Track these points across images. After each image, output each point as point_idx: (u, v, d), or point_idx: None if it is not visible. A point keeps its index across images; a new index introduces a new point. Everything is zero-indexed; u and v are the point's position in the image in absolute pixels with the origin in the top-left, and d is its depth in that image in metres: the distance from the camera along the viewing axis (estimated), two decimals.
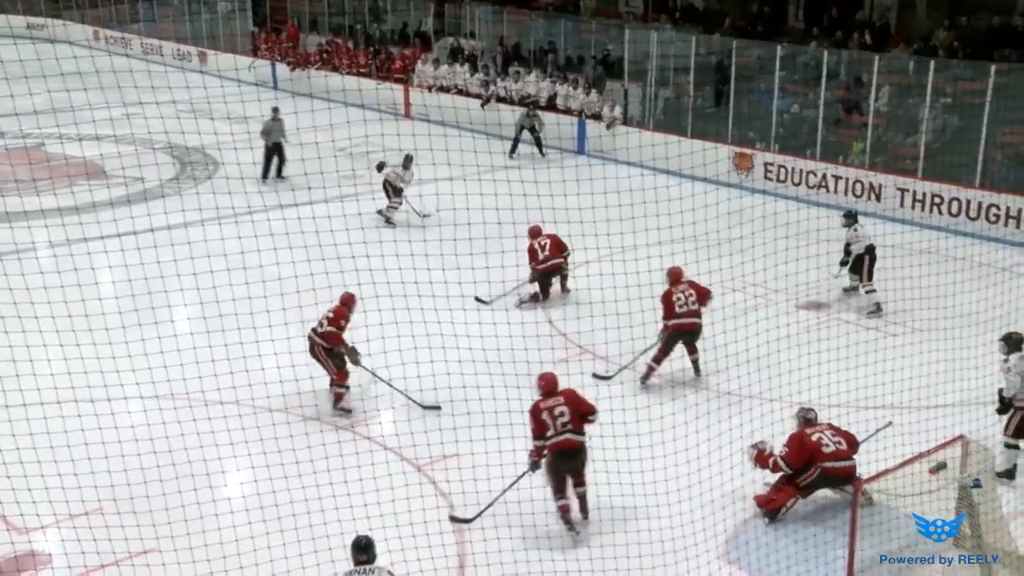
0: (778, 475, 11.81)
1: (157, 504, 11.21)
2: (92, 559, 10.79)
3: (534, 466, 11.49)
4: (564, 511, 11.44)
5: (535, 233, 18.47)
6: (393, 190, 23.19)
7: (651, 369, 15.00)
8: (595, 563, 10.69)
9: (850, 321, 17.01)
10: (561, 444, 11.27)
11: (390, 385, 14.16)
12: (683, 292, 14.72)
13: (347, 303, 14.43)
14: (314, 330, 14.19)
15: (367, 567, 9.11)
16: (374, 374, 14.25)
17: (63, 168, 26.42)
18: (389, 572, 9.20)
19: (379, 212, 23.06)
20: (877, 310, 17.25)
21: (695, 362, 15.21)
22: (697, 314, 14.85)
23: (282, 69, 39.12)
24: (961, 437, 11.19)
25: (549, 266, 18.32)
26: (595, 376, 14.92)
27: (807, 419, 12.01)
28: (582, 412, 11.42)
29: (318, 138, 20.82)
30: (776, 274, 16.02)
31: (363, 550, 9.23)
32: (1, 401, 12.98)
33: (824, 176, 24.32)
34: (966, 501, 10.77)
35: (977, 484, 10.75)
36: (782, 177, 24.96)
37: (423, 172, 22.88)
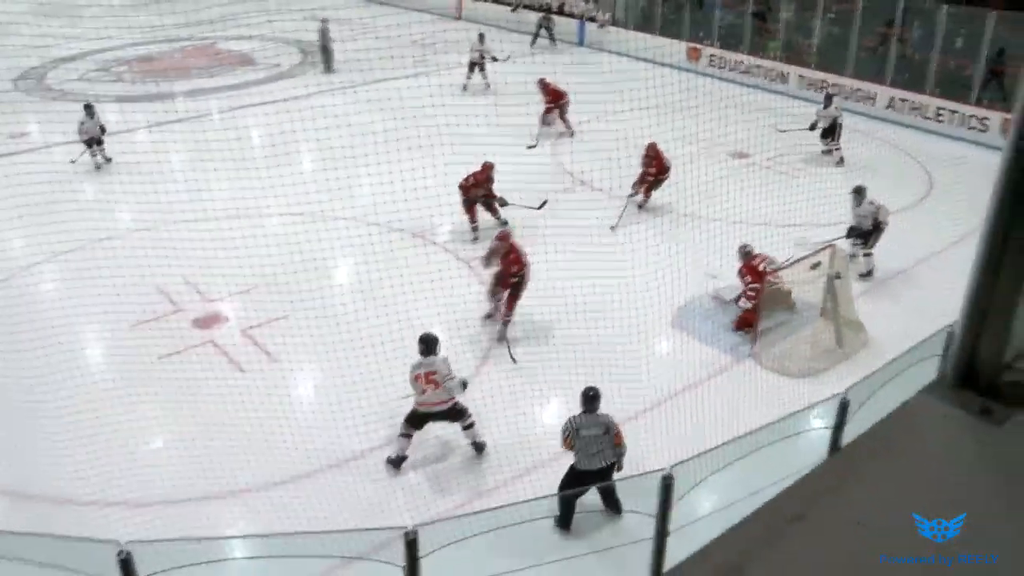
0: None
1: (291, 287, 11.38)
2: (254, 318, 11.31)
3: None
4: None
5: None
6: (473, 63, 22.47)
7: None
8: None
9: (767, 167, 17.05)
10: None
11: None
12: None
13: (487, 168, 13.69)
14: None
15: (430, 358, 8.52)
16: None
17: (227, 57, 26.17)
18: (445, 360, 8.61)
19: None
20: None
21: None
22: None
23: None
24: (832, 245, 11.48)
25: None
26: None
27: (747, 252, 11.47)
28: None
29: (396, 32, 20.63)
30: (716, 132, 16.03)
31: (426, 343, 8.60)
32: (192, 217, 13.29)
33: (750, 65, 23.96)
34: (831, 288, 11.16)
35: (839, 276, 11.10)
36: (721, 65, 24.55)
37: (469, 57, 22.48)
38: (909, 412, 2.23)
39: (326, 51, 24.46)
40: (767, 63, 23.66)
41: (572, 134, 18.55)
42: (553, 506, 7.73)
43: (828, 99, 17.77)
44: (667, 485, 5.99)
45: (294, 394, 9.99)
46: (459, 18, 32.12)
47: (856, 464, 2.02)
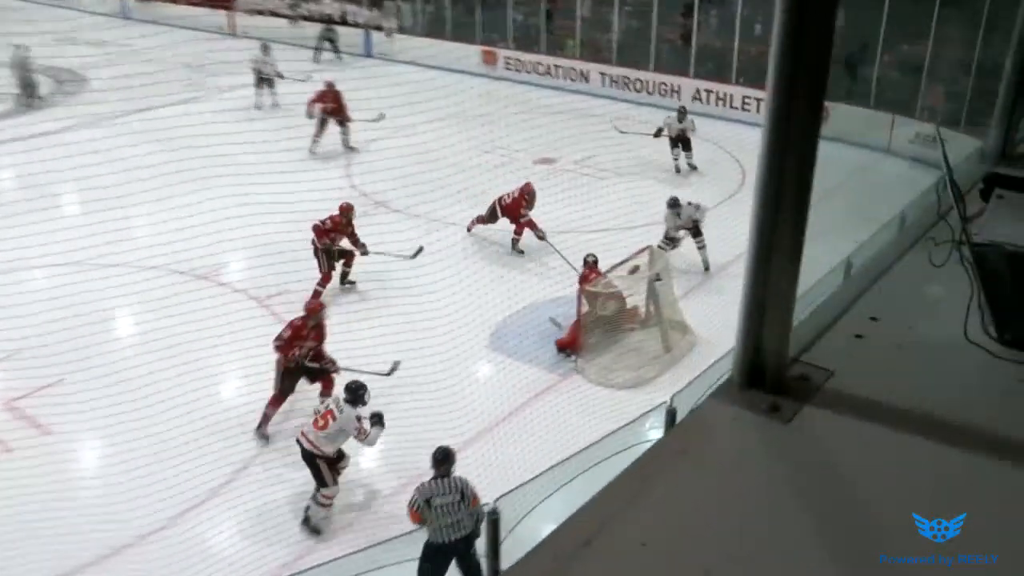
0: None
1: (63, 347, 10.59)
2: (19, 388, 10.67)
3: None
4: None
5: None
6: (261, 78, 22.20)
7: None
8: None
9: (569, 170, 17.49)
10: None
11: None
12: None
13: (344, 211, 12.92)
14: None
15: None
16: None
17: None
18: (358, 418, 8.42)
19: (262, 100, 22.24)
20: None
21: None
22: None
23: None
24: (648, 247, 11.94)
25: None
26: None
27: (589, 262, 11.69)
28: None
29: (165, 54, 20.03)
30: (517, 137, 16.34)
31: (353, 392, 8.46)
32: None
33: (549, 65, 24.63)
34: (653, 291, 11.59)
35: (659, 279, 11.55)
36: (518, 67, 25.15)
37: (249, 78, 22.10)
38: (699, 419, 2.36)
39: (29, 83, 23.09)
40: (566, 62, 24.39)
41: (352, 150, 18.48)
42: None
43: (682, 113, 17.88)
44: (494, 521, 6.04)
45: (74, 469, 9.47)
46: (234, 35, 31.58)
47: (647, 479, 2.11)
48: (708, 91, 22.03)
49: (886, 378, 2.66)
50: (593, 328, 11.39)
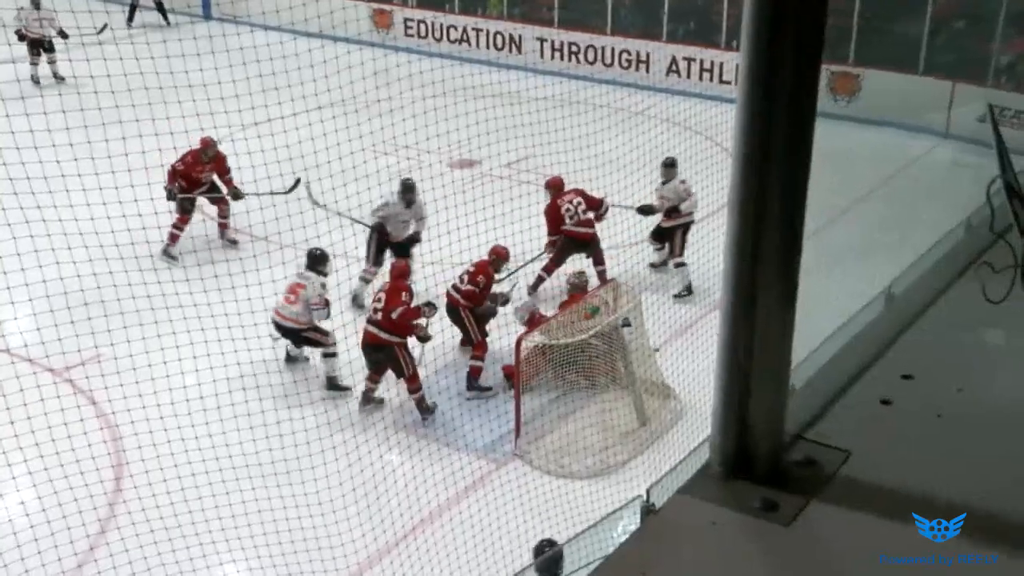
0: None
1: None
2: None
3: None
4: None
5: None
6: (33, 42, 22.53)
7: (540, 279, 14.74)
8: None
9: (503, 176, 17.57)
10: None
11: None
12: (571, 202, 14.58)
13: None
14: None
15: (306, 272, 11.39)
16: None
17: None
18: (323, 285, 12.19)
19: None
20: (688, 292, 14.51)
21: (601, 273, 14.42)
22: (590, 223, 14.55)
23: None
24: (612, 281, 12.06)
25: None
26: None
27: (576, 285, 12.69)
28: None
29: None
30: (427, 133, 16.34)
31: (310, 258, 12.10)
32: None
33: (465, 29, 24.79)
34: (619, 342, 11.67)
35: (627, 324, 11.66)
36: (423, 33, 25.28)
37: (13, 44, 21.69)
38: (664, 523, 2.36)
39: None
40: (489, 24, 24.51)
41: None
42: None
43: (670, 167, 15.22)
44: None
45: None
46: None
47: None
48: (689, 60, 22.35)
49: (923, 462, 2.69)
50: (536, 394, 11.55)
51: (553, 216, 14.41)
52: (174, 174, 15.28)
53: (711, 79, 22.01)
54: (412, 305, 11.78)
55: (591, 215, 14.45)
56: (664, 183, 14.62)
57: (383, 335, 11.71)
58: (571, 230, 14.36)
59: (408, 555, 9.66)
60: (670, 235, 14.73)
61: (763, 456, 2.50)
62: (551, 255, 14.55)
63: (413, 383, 11.85)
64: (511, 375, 11.86)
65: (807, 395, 2.73)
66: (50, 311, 11.28)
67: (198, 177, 15.61)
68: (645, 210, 14.88)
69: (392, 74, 16.57)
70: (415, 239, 14.43)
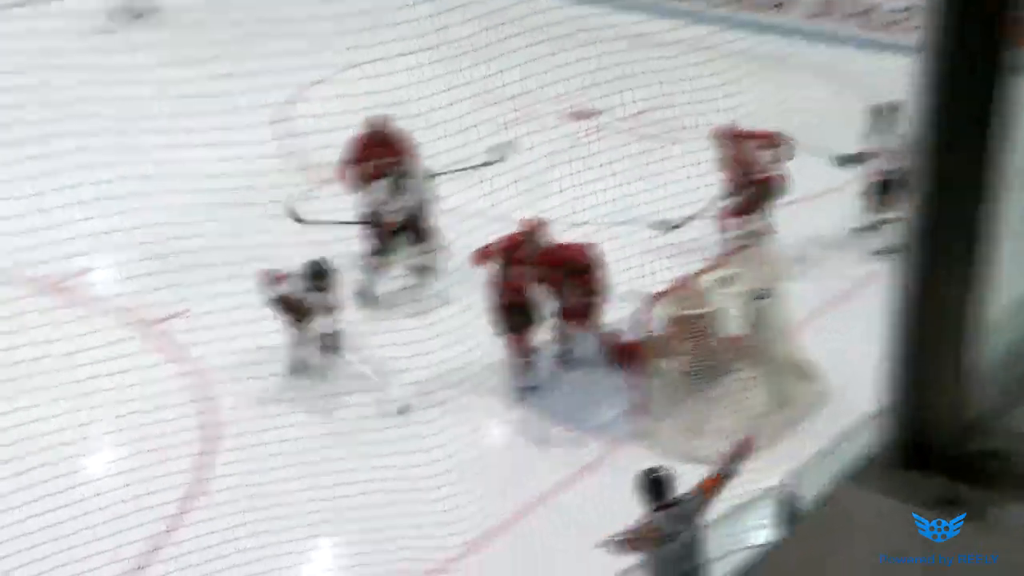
0: None
1: None
2: None
3: None
4: None
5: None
6: None
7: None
8: None
9: (621, 131, 17.31)
10: None
11: None
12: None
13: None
14: None
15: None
16: None
17: None
18: None
19: None
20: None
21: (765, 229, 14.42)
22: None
23: None
24: (744, 246, 11.92)
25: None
26: None
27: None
28: None
29: None
30: (539, 81, 16.11)
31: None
32: None
33: None
34: (754, 315, 11.53)
35: (763, 296, 11.49)
36: None
37: None
38: (832, 515, 2.28)
39: None
40: None
41: None
42: None
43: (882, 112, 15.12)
44: None
45: None
46: None
47: None
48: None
49: None
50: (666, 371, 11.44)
51: (742, 164, 14.15)
52: None
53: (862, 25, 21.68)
54: None
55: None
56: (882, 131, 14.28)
57: None
58: (760, 178, 14.19)
59: (518, 538, 9.69)
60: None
61: (941, 443, 2.41)
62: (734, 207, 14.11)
63: None
64: (627, 350, 11.75)
65: (995, 378, 2.63)
66: (143, 260, 11.62)
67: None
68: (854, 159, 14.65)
69: (493, 15, 16.33)
70: (415, 220, 14.42)
